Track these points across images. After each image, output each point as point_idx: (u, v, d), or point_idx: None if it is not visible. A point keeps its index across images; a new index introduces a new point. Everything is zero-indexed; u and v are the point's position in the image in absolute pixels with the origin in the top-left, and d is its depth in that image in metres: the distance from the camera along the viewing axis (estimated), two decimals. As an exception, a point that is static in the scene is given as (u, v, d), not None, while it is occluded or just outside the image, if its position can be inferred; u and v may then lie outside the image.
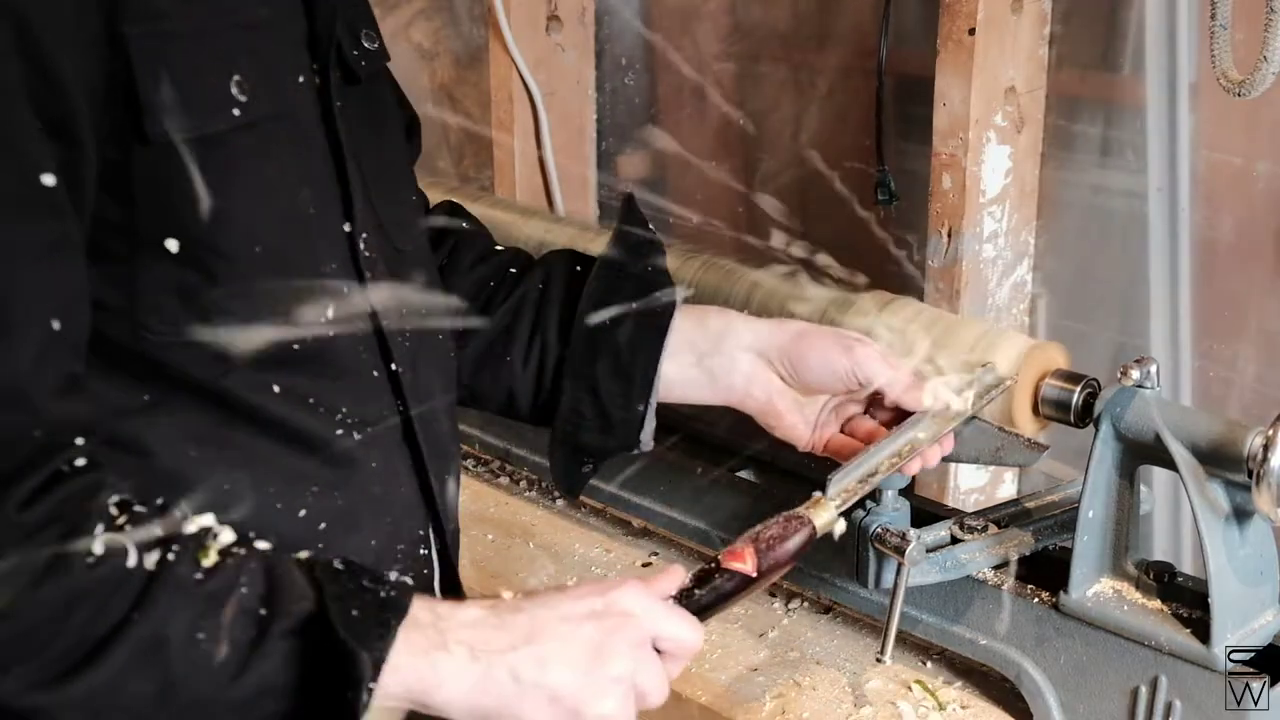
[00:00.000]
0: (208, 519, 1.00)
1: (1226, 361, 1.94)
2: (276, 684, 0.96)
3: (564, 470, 1.38)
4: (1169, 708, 1.34)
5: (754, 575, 1.15)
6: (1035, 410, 1.43)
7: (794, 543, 1.18)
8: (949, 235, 1.98)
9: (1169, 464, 1.33)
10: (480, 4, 2.62)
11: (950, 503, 2.05)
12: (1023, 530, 1.47)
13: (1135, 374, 1.35)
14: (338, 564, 1.02)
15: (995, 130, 1.96)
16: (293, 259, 1.07)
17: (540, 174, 2.55)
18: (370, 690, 0.95)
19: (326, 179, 1.12)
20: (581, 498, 1.82)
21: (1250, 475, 1.27)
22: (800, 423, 1.34)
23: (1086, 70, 2.04)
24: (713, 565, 1.15)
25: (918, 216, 2.06)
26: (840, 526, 1.25)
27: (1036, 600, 1.43)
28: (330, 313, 1.08)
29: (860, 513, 1.43)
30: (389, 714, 1.02)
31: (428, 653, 0.98)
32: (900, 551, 1.39)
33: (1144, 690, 1.35)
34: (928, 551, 1.41)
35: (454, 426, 1.28)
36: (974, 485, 2.10)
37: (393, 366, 1.15)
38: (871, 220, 2.18)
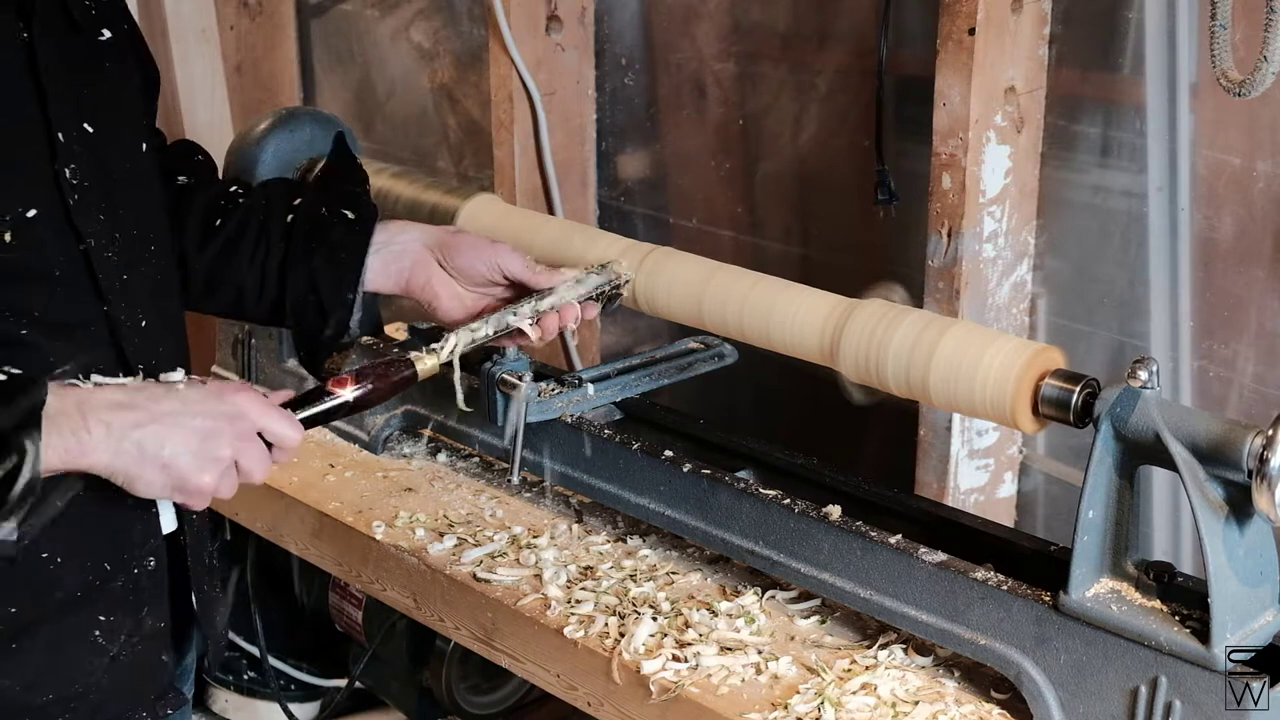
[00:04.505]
0: None
1: (1226, 361, 1.94)
2: None
3: (307, 356, 1.68)
4: (1169, 708, 1.34)
5: (350, 401, 1.40)
6: (1035, 410, 1.43)
7: (392, 380, 1.45)
8: (949, 235, 1.98)
9: (1169, 464, 1.33)
10: (480, 4, 2.62)
11: (950, 502, 2.05)
12: (632, 377, 1.87)
13: (1143, 374, 1.34)
14: None
15: (995, 130, 1.96)
16: None
17: (540, 174, 2.56)
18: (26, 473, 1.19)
19: (26, 113, 1.29)
20: (576, 496, 1.88)
21: (1250, 475, 1.28)
22: (457, 307, 1.64)
23: (1086, 70, 2.04)
24: (321, 386, 1.39)
25: (918, 216, 2.06)
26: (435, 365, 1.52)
27: (1036, 600, 1.43)
28: (35, 229, 1.28)
29: (488, 364, 1.81)
30: None
31: (75, 433, 1.23)
32: (516, 389, 1.78)
33: (1144, 690, 1.35)
34: (553, 395, 1.82)
35: (170, 328, 1.46)
36: (974, 485, 2.10)
37: (98, 277, 1.34)
38: (871, 220, 2.18)
